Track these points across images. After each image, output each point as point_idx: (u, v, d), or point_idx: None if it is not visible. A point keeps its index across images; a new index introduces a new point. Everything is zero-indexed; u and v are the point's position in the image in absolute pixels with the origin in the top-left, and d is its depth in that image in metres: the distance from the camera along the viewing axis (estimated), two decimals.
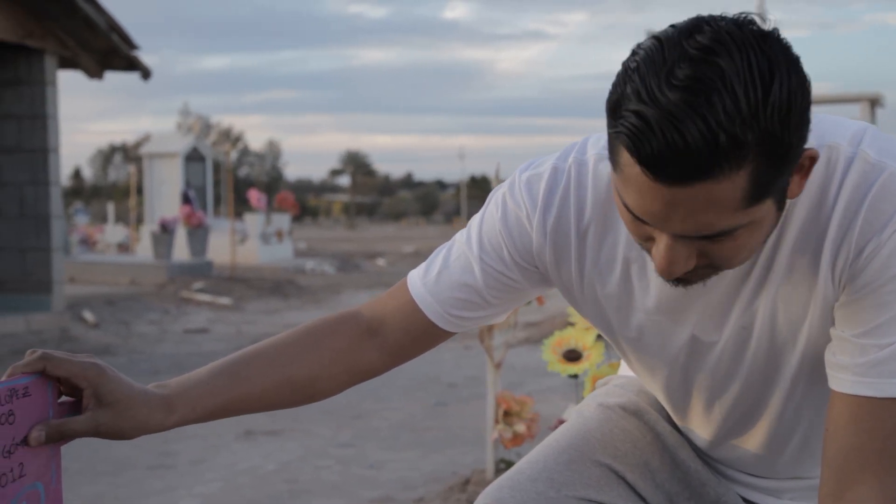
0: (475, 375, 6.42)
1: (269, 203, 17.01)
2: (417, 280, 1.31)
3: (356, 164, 67.85)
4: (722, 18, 0.99)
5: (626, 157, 0.98)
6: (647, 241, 1.06)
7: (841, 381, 1.11)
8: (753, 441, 1.32)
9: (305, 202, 51.70)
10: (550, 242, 1.23)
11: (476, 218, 1.30)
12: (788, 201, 1.08)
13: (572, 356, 2.84)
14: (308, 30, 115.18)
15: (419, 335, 1.32)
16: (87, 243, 18.55)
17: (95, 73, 9.29)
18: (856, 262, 1.07)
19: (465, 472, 4.02)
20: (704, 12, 1.04)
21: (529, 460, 1.38)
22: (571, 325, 2.95)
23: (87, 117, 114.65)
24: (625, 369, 1.57)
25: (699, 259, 1.04)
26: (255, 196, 16.35)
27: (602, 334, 1.34)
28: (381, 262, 18.73)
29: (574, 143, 1.26)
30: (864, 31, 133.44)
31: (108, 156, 65.36)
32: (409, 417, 5.39)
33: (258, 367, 1.25)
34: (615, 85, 0.99)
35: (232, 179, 15.38)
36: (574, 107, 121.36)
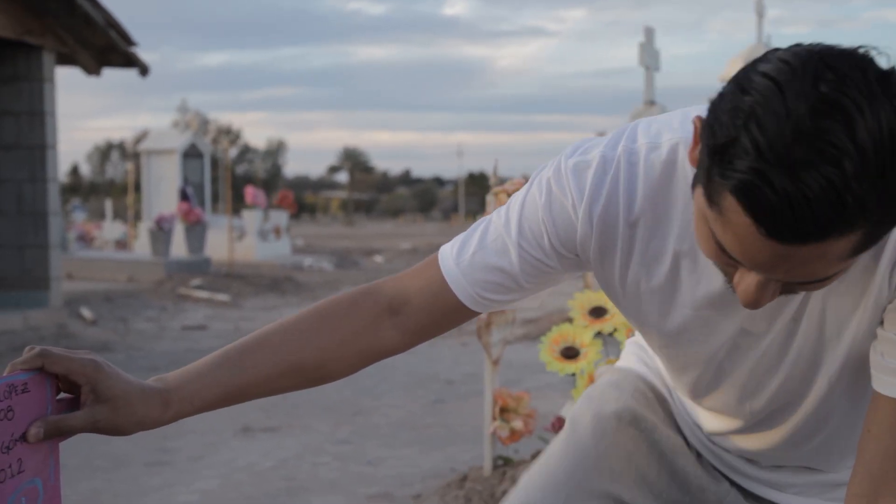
0: (473, 372, 6.42)
1: (267, 199, 16.99)
2: (450, 259, 1.26)
3: (354, 160, 67.82)
4: (841, 56, 0.93)
5: (732, 203, 0.92)
6: (728, 268, 1.02)
7: (889, 384, 1.09)
8: (775, 436, 1.30)
9: (303, 199, 51.66)
10: (597, 233, 1.19)
11: (516, 199, 1.24)
12: None
13: (570, 353, 2.84)
14: (307, 27, 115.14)
15: (444, 315, 1.28)
16: (85, 240, 18.52)
17: (93, 69, 9.28)
18: None
19: (463, 468, 4.03)
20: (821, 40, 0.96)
21: (526, 498, 1.34)
22: (570, 321, 2.95)
23: (85, 114, 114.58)
24: (626, 357, 1.54)
25: (783, 288, 1.01)
26: (250, 193, 16.32)
27: (634, 326, 1.30)
28: (378, 258, 18.72)
29: (622, 128, 1.21)
30: (864, 29, 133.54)
31: (105, 153, 65.29)
32: (407, 414, 5.40)
33: (263, 355, 1.23)
34: (723, 125, 0.93)
35: (230, 176, 15.36)
36: (574, 103, 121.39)
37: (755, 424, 1.30)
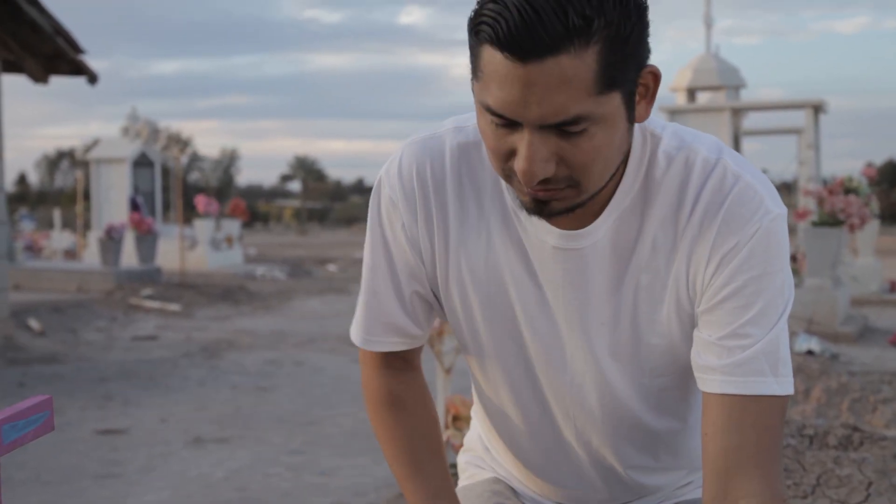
0: (426, 381, 6.42)
1: (219, 208, 16.86)
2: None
3: (307, 169, 67.52)
4: None
5: (488, 52, 1.02)
6: (509, 161, 1.07)
7: (710, 381, 1.13)
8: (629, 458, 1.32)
9: (256, 208, 51.27)
10: (421, 215, 1.25)
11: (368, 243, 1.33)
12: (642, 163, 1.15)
13: None
14: (262, 35, 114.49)
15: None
16: (33, 250, 18.26)
17: (41, 77, 9.17)
18: (710, 263, 1.12)
19: None
20: None
21: None
22: None
23: (34, 122, 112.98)
24: (464, 469, 1.57)
25: (558, 168, 1.05)
26: (202, 201, 16.19)
27: (463, 338, 1.42)
28: (332, 267, 18.65)
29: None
30: (813, 39, 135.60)
31: (54, 161, 64.36)
32: (361, 423, 5.38)
33: None
34: (473, 11, 1.04)
35: (181, 185, 15.22)
36: None
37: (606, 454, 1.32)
